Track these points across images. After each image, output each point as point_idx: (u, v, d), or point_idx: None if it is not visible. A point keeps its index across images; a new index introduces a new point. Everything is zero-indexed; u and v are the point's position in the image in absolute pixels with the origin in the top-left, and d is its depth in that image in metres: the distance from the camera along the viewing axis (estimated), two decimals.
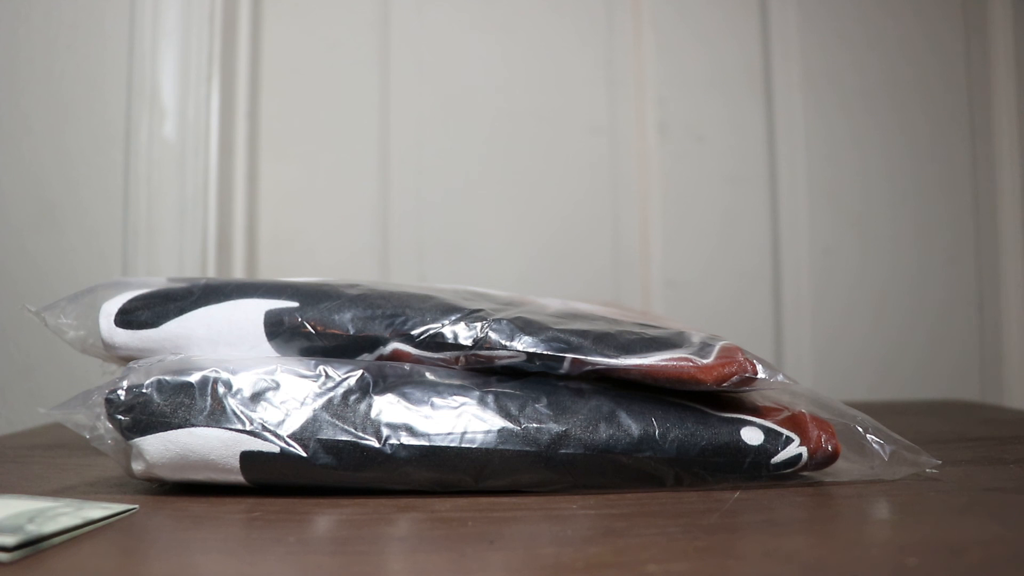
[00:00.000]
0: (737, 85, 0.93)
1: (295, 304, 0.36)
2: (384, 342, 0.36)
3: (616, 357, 0.35)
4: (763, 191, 0.92)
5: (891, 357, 0.92)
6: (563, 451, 0.34)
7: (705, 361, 0.35)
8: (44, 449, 0.49)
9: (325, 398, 0.34)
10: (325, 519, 0.31)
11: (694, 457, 0.35)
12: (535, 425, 0.34)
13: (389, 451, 0.33)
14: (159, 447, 0.33)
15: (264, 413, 0.33)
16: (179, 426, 0.33)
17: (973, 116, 0.94)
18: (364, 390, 0.34)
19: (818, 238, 0.92)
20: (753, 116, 0.93)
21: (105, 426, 0.34)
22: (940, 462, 0.37)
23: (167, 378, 0.34)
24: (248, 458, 0.33)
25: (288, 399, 0.34)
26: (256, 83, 0.88)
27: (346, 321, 0.36)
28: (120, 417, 0.33)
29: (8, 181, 0.76)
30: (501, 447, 0.34)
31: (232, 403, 0.33)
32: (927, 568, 0.24)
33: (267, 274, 0.87)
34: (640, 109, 0.92)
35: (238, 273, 0.84)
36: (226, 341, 0.36)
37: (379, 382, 0.35)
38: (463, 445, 0.33)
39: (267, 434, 0.33)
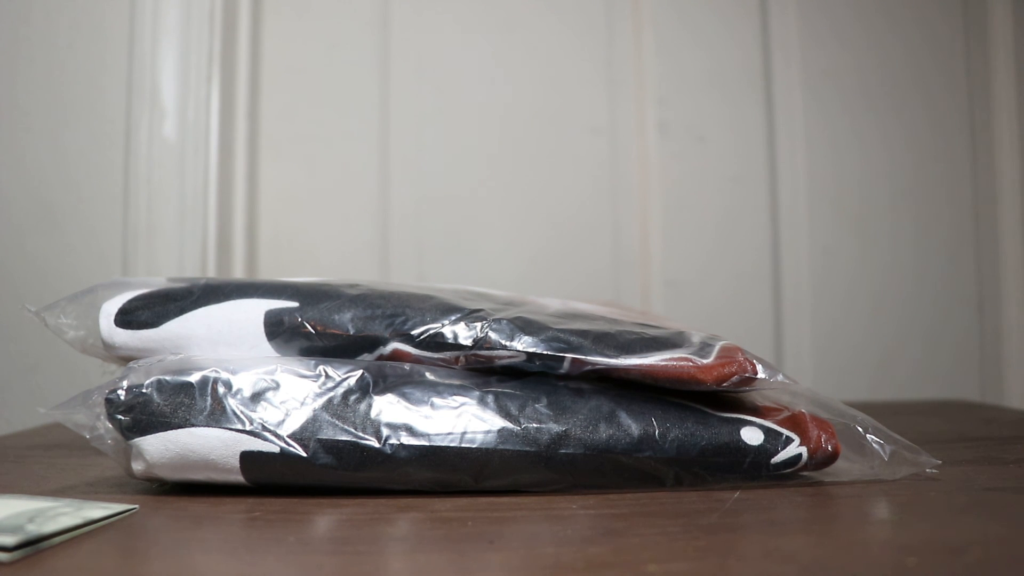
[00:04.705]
0: (737, 85, 0.93)
1: (295, 304, 0.36)
2: (384, 342, 0.36)
3: (616, 357, 0.35)
4: (763, 191, 0.92)
5: (891, 357, 0.92)
6: (563, 451, 0.34)
7: (705, 361, 0.35)
8: (44, 449, 0.49)
9: (325, 398, 0.34)
10: (325, 519, 0.31)
11: (694, 457, 0.35)
12: (535, 425, 0.34)
13: (389, 451, 0.33)
14: (159, 447, 0.33)
15: (264, 413, 0.33)
16: (179, 426, 0.33)
17: (973, 116, 0.94)
18: (364, 390, 0.34)
19: (818, 238, 0.92)
20: (753, 116, 0.93)
21: (105, 426, 0.34)
22: (940, 462, 0.37)
23: (167, 378, 0.34)
24: (248, 458, 0.33)
25: (288, 399, 0.34)
26: (256, 83, 0.88)
27: (346, 321, 0.36)
28: (120, 417, 0.33)
29: (8, 181, 0.76)
30: (501, 447, 0.34)
31: (232, 403, 0.33)
32: (927, 568, 0.24)
33: (267, 274, 0.87)
34: (640, 109, 0.92)
35: (238, 273, 0.84)
36: (226, 341, 0.36)
37: (379, 382, 0.35)
38: (463, 445, 0.33)
39: (267, 434, 0.33)
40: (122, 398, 0.34)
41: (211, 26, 0.79)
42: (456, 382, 0.35)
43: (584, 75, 0.92)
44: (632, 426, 0.35)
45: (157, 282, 0.39)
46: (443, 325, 0.36)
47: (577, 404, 0.35)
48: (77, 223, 0.77)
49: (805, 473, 0.37)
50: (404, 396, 0.34)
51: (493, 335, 0.35)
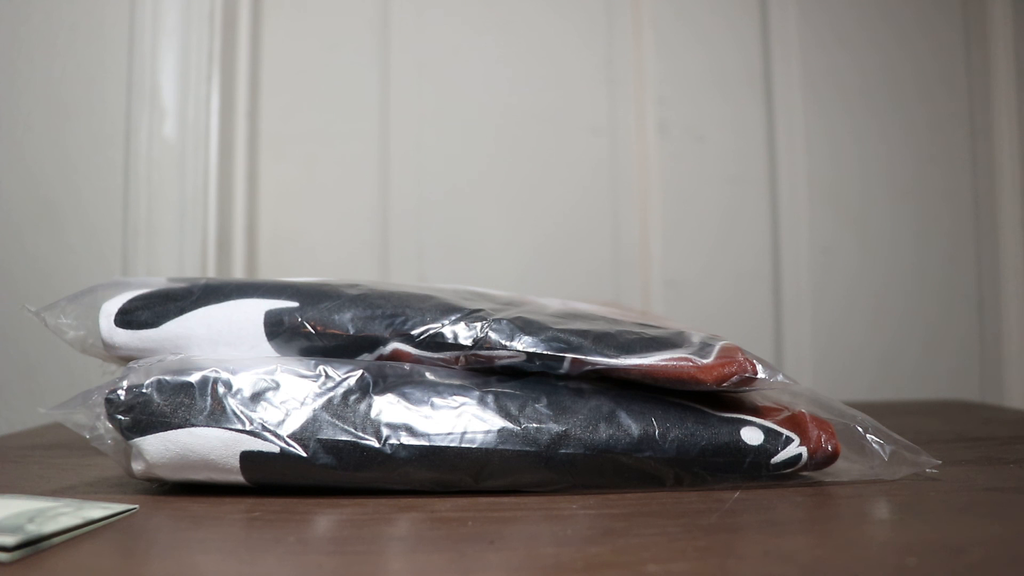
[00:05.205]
0: (737, 85, 0.93)
1: (295, 304, 0.36)
2: (384, 342, 0.36)
3: (616, 357, 0.35)
4: (763, 191, 0.92)
5: (891, 357, 0.92)
6: (563, 451, 0.34)
7: (705, 361, 0.35)
8: (44, 449, 0.49)
9: (325, 398, 0.34)
10: (325, 519, 0.31)
11: (694, 457, 0.35)
12: (535, 425, 0.34)
13: (389, 451, 0.33)
14: (159, 447, 0.33)
15: (264, 413, 0.33)
16: (179, 426, 0.33)
17: (973, 116, 0.94)
18: (364, 390, 0.34)
19: (817, 238, 0.92)
20: (753, 116, 0.93)
21: (105, 426, 0.34)
22: (940, 462, 0.37)
23: (167, 378, 0.34)
24: (248, 458, 0.33)
25: (288, 399, 0.34)
26: (256, 83, 0.88)
27: (346, 321, 0.36)
28: (120, 417, 0.33)
29: (8, 181, 0.76)
30: (501, 447, 0.34)
31: (232, 403, 0.33)
32: (927, 568, 0.24)
33: (267, 274, 0.87)
34: (640, 109, 0.92)
35: (238, 273, 0.84)
36: (226, 341, 0.36)
37: (379, 382, 0.35)
38: (463, 445, 0.33)
39: (267, 434, 0.33)
40: (122, 398, 0.34)
41: (211, 26, 0.79)
42: (456, 382, 0.35)
43: (584, 75, 0.92)
44: (632, 426, 0.35)
45: (157, 282, 0.39)
46: (443, 325, 0.36)
47: (577, 404, 0.35)
48: (77, 223, 0.77)
49: (805, 473, 0.37)
50: (404, 396, 0.34)
51: (493, 335, 0.35)
